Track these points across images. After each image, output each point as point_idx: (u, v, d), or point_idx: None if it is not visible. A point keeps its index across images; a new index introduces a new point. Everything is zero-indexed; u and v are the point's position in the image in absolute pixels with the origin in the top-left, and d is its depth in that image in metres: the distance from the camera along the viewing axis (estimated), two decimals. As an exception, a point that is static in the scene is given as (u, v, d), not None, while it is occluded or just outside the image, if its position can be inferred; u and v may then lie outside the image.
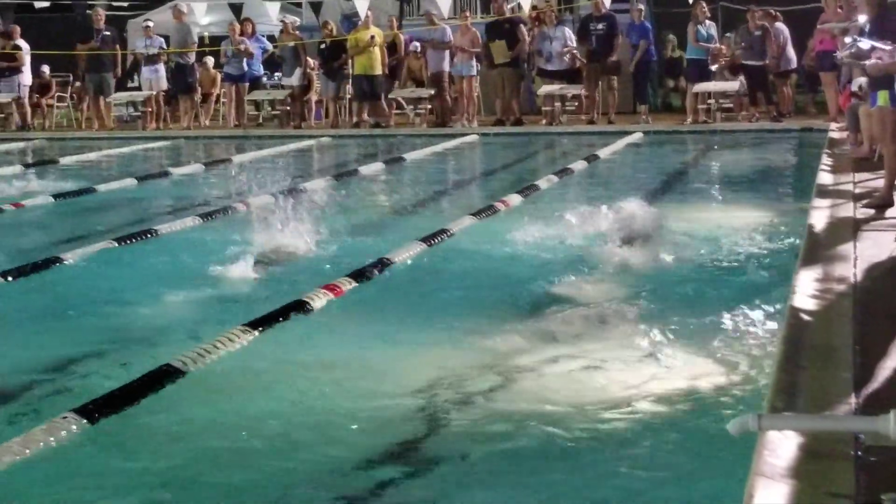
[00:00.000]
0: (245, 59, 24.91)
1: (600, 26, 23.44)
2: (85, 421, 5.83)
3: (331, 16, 27.07)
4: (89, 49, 25.12)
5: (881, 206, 11.13)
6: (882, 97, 11.08)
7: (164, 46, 25.70)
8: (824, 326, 6.87)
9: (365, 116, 24.26)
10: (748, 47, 22.70)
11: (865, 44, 10.16)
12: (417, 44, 25.14)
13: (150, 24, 26.14)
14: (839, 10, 19.05)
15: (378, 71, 24.08)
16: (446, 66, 24.08)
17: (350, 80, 24.67)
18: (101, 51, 24.95)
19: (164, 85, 25.56)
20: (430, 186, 14.55)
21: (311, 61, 25.17)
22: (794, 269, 8.42)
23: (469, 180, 16.20)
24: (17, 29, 26.31)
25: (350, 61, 24.36)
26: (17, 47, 25.81)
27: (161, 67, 25.46)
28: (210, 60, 25.92)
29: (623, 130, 22.20)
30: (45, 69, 26.51)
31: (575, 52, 23.83)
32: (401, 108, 25.16)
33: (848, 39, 12.21)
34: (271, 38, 26.90)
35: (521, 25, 24.19)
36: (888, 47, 10.02)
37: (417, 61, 25.02)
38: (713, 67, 23.31)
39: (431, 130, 23.59)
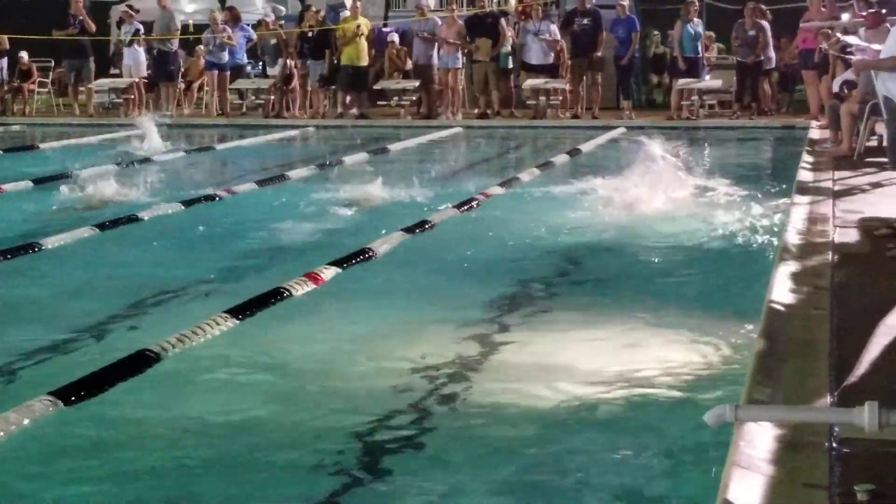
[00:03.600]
0: (227, 48, 24.84)
1: (585, 21, 23.46)
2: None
3: (316, 4, 26.97)
4: (66, 35, 25.02)
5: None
6: None
7: (141, 32, 25.49)
8: (802, 320, 6.91)
9: (356, 109, 24.19)
10: (743, 45, 22.71)
11: (853, 39, 10.22)
12: (395, 34, 25.12)
13: (130, 9, 25.96)
14: (823, 9, 19.11)
15: (365, 62, 24.05)
16: (434, 59, 24.05)
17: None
18: (78, 36, 24.84)
19: (143, 71, 25.44)
20: (414, 177, 14.56)
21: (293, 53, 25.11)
22: (774, 263, 8.47)
23: (452, 172, 16.23)
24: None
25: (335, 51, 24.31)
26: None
27: (140, 54, 25.33)
28: (202, 49, 25.79)
29: (606, 125, 22.25)
30: (24, 55, 26.24)
31: (561, 46, 23.83)
32: (383, 100, 25.15)
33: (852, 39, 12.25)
34: (257, 27, 26.80)
35: (503, 20, 24.20)
36: (876, 46, 10.06)
37: (397, 52, 25.00)
38: (707, 77, 23.41)
39: (416, 122, 23.58)
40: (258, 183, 14.56)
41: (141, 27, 25.46)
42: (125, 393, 6.26)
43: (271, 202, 13.28)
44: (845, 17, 11.50)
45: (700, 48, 23.44)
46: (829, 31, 11.58)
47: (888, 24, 11.07)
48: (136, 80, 25.32)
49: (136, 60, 25.26)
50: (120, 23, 26.38)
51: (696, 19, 23.46)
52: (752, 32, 22.52)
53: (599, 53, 23.52)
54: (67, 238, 10.66)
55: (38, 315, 8.37)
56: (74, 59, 25.17)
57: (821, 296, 7.49)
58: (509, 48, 23.95)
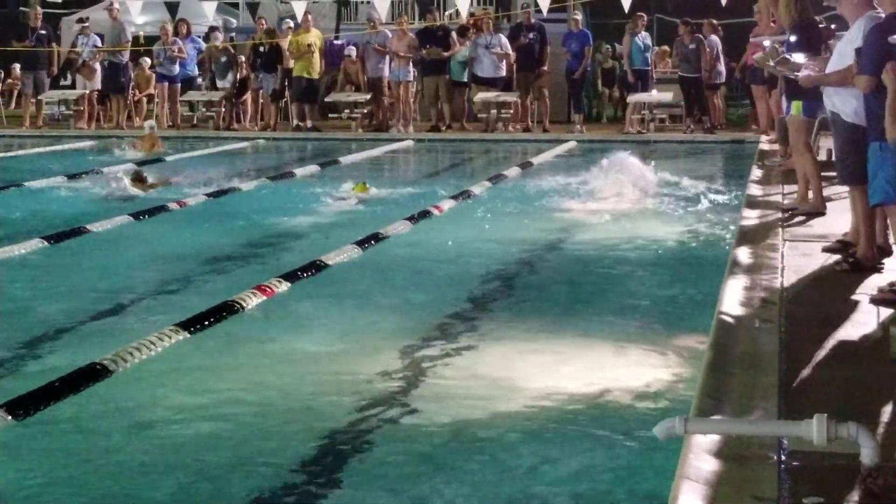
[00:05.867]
0: (178, 60, 24.75)
1: (531, 35, 23.55)
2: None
3: (267, 17, 26.94)
4: (24, 47, 24.86)
5: (811, 213, 11.28)
6: (795, 107, 11.27)
7: (99, 45, 25.42)
8: (751, 333, 6.95)
9: (308, 121, 24.13)
10: (684, 60, 22.92)
11: (799, 57, 10.27)
12: (353, 48, 25.11)
13: (88, 23, 25.79)
14: (772, 24, 19.21)
15: (317, 74, 24.03)
16: (385, 72, 24.04)
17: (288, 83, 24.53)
18: (35, 48, 24.69)
19: (98, 84, 25.30)
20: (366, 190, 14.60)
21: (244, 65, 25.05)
22: (724, 277, 8.51)
23: (404, 185, 16.21)
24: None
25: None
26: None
27: (96, 66, 25.21)
28: (147, 61, 25.66)
29: (557, 139, 22.32)
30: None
31: (512, 59, 23.85)
32: (335, 112, 25.13)
33: (767, 43, 12.37)
34: (209, 39, 26.64)
35: (454, 33, 24.24)
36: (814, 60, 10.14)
37: (353, 65, 24.98)
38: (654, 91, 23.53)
39: (368, 135, 23.56)
40: (208, 195, 14.50)
41: (99, 40, 25.33)
42: (74, 406, 6.23)
43: (221, 214, 13.25)
44: (793, 38, 11.56)
45: (649, 61, 23.63)
46: (776, 46, 11.64)
47: (836, 40, 11.17)
48: (89, 91, 25.18)
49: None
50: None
51: (643, 32, 23.61)
52: (692, 46, 22.71)
53: (545, 67, 23.59)
54: (15, 249, 10.59)
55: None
56: (31, 71, 24.98)
57: (770, 309, 7.53)
58: (464, 60, 23.99)
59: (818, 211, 11.33)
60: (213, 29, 26.07)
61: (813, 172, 11.44)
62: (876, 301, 7.67)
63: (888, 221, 8.68)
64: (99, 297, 9.12)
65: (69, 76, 26.92)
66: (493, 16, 25.55)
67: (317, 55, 23.89)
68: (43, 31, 24.94)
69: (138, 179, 15.29)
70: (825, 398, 5.66)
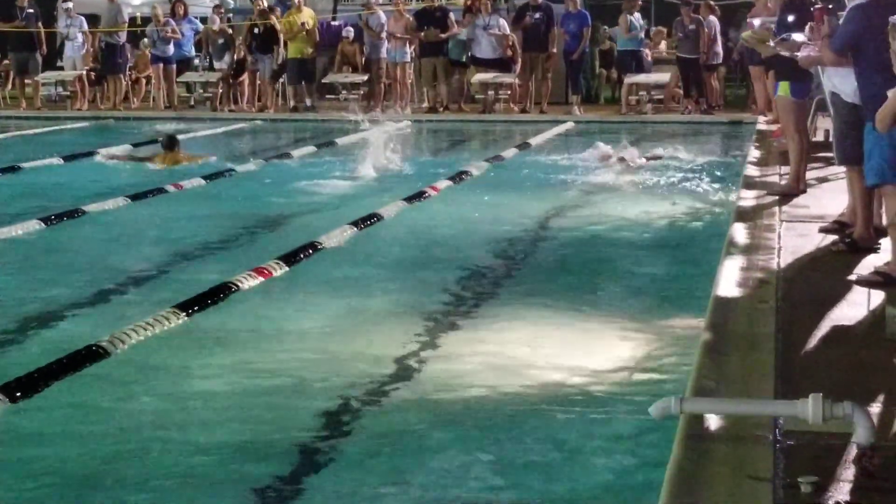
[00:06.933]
0: (172, 41, 24.67)
1: (537, 16, 23.46)
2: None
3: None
4: (13, 27, 24.77)
5: (787, 194, 11.30)
6: (782, 87, 11.28)
7: (86, 27, 25.29)
8: (747, 313, 6.96)
9: (308, 100, 24.10)
10: (684, 39, 22.87)
11: (799, 36, 10.25)
12: (351, 29, 25.06)
13: (70, 4, 25.65)
14: (769, 5, 19.19)
15: (312, 54, 23.99)
16: (383, 53, 23.99)
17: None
18: (25, 28, 24.59)
19: (89, 63, 25.21)
20: (362, 171, 14.59)
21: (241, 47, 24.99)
22: (720, 257, 8.52)
23: (401, 166, 16.21)
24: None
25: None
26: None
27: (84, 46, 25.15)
28: (145, 42, 25.58)
29: (555, 120, 22.29)
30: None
31: (512, 40, 23.79)
32: (332, 93, 25.10)
33: (757, 22, 12.39)
34: (205, 20, 26.57)
35: (451, 13, 24.19)
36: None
37: (351, 46, 24.94)
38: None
39: (364, 116, 23.49)
40: (205, 178, 14.48)
41: (85, 22, 25.23)
42: (71, 388, 6.24)
43: (218, 196, 13.25)
44: (790, 17, 11.55)
45: (643, 41, 23.64)
46: (770, 27, 11.65)
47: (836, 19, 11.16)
48: (81, 72, 25.12)
49: (79, 53, 25.07)
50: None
51: (637, 13, 23.58)
52: (691, 27, 22.68)
53: (554, 49, 23.55)
54: (12, 231, 10.59)
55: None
56: (21, 52, 24.90)
57: (766, 289, 7.54)
58: (462, 40, 23.95)
59: (791, 192, 11.35)
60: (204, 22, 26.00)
61: (797, 155, 11.47)
62: (862, 283, 7.68)
63: (884, 202, 8.68)
64: (96, 279, 9.13)
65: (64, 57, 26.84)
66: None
67: (310, 35, 23.79)
68: (31, 10, 24.80)
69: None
70: (821, 378, 5.67)
